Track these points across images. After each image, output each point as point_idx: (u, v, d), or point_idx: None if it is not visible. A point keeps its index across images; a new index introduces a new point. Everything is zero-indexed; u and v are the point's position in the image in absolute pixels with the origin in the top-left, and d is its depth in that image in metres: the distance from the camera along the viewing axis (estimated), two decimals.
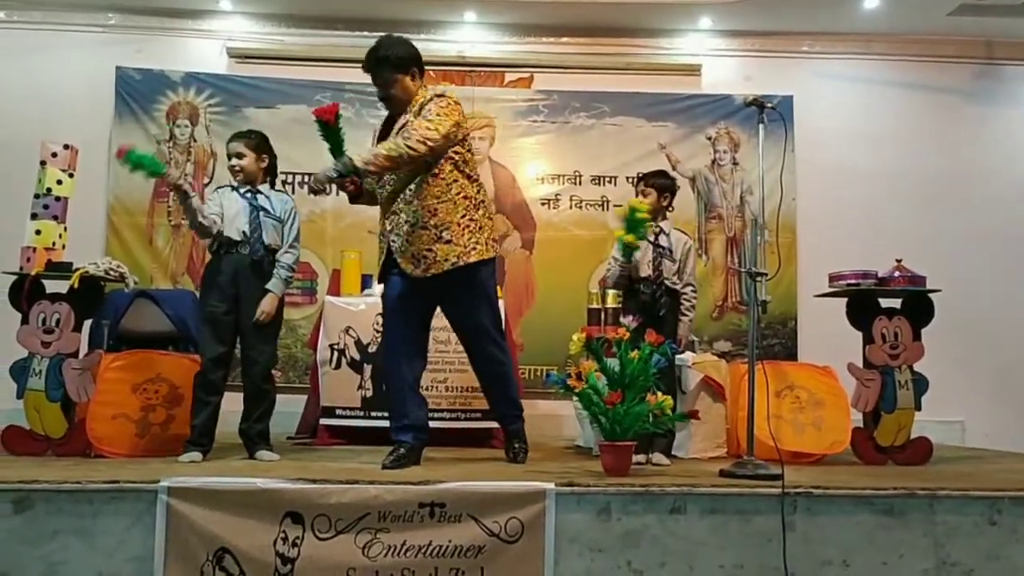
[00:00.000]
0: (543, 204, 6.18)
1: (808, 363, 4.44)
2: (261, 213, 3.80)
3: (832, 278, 4.23)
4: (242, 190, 3.84)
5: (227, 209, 3.77)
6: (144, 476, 2.97)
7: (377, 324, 4.67)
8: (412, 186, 3.52)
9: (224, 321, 3.75)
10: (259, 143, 3.93)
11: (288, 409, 5.30)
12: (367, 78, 6.07)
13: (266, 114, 6.08)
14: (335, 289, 5.11)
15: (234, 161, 3.85)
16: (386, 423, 4.45)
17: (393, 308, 3.65)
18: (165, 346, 4.53)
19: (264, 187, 3.90)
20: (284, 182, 6.01)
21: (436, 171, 3.50)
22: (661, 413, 3.30)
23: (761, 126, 3.52)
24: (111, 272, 4.02)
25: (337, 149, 3.60)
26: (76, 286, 3.89)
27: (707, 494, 2.99)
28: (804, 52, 6.43)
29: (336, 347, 4.68)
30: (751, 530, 2.96)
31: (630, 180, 6.05)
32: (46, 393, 3.81)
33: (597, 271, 5.90)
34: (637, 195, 4.19)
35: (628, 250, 3.87)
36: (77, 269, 3.91)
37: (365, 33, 6.15)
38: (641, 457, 3.68)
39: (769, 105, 3.53)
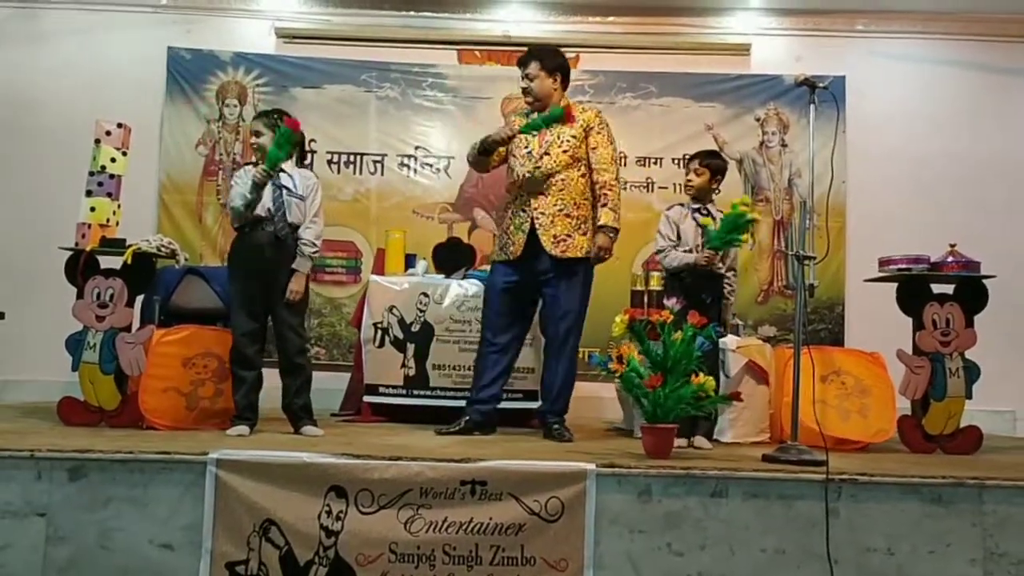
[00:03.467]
0: None
1: (856, 349, 4.37)
2: (284, 191, 3.83)
3: (882, 263, 4.15)
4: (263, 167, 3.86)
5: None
6: (194, 448, 3.05)
7: (420, 303, 4.71)
8: (563, 176, 3.93)
9: (253, 297, 3.81)
10: (279, 122, 3.93)
11: (332, 386, 5.40)
12: (412, 58, 6.22)
13: (312, 94, 6.12)
14: (379, 268, 5.15)
15: (254, 140, 3.86)
16: (428, 401, 4.59)
17: (495, 293, 3.99)
18: (214, 322, 4.59)
19: (288, 165, 3.89)
20: (330, 161, 6.09)
21: (583, 172, 3.98)
22: (704, 395, 3.29)
23: (812, 107, 3.45)
24: (163, 249, 4.11)
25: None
26: (129, 262, 3.97)
27: (749, 478, 2.97)
28: (858, 31, 6.28)
29: (380, 326, 4.72)
30: (794, 515, 2.94)
31: (676, 162, 6.00)
32: (100, 366, 3.91)
33: (641, 253, 5.88)
34: (688, 174, 4.14)
35: (722, 246, 3.83)
36: (130, 245, 4.00)
37: (411, 13, 6.19)
38: (683, 441, 3.67)
39: (821, 85, 3.46)
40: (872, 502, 2.96)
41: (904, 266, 4.05)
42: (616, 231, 3.93)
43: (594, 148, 3.99)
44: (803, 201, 3.74)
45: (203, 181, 6.12)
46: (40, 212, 5.59)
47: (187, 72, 6.10)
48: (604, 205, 3.93)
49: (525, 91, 4.04)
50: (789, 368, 3.78)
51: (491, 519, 2.89)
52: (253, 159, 3.92)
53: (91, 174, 4.11)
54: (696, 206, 4.12)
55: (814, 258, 3.35)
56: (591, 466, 2.93)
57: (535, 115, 4.00)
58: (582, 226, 3.94)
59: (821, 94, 3.44)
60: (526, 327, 4.18)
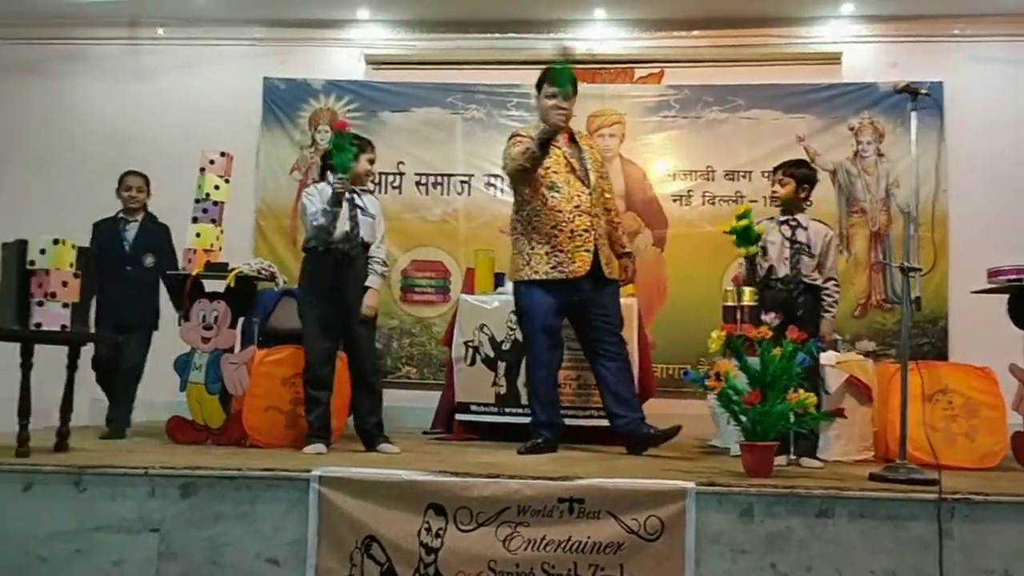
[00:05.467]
0: (675, 201, 6.08)
1: (965, 364, 4.18)
2: (359, 212, 3.93)
3: (991, 273, 3.98)
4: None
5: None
6: (297, 465, 3.12)
7: (511, 322, 4.73)
8: (602, 200, 4.11)
9: (329, 317, 3.87)
10: (367, 146, 4.05)
11: (422, 404, 5.49)
12: (497, 79, 6.28)
13: (401, 117, 6.26)
14: (469, 287, 5.21)
15: (373, 168, 4.06)
16: (519, 419, 4.59)
17: (543, 311, 3.98)
18: None
19: (359, 188, 4.01)
20: (418, 183, 6.20)
21: (602, 193, 4.12)
22: (804, 412, 3.20)
23: (913, 114, 3.33)
24: (263, 272, 4.26)
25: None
26: (232, 285, 4.12)
27: (857, 498, 2.88)
28: (955, 36, 6.07)
29: (471, 344, 4.77)
30: (904, 536, 2.83)
31: (765, 175, 5.87)
32: (206, 386, 4.07)
33: (731, 268, 5.78)
34: (773, 185, 4.06)
35: (751, 260, 3.85)
36: (233, 269, 4.15)
37: (496, 35, 6.26)
38: (782, 459, 3.58)
39: (923, 91, 3.35)
40: (988, 522, 2.83)
41: (1015, 277, 3.87)
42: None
43: (604, 177, 4.19)
44: (907, 211, 3.61)
45: (297, 206, 6.29)
46: None
47: (282, 101, 6.32)
48: (623, 233, 4.22)
49: (563, 110, 3.96)
50: (893, 384, 3.65)
51: (589, 537, 2.87)
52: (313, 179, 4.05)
53: (196, 201, 4.30)
54: (784, 218, 4.03)
55: (920, 270, 3.24)
56: (690, 484, 2.89)
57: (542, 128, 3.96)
58: (616, 249, 4.16)
59: (923, 100, 3.32)
60: (563, 344, 4.25)
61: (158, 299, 4.59)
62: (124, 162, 6.07)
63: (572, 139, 4.09)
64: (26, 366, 3.32)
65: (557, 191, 3.96)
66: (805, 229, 3.94)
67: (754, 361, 3.31)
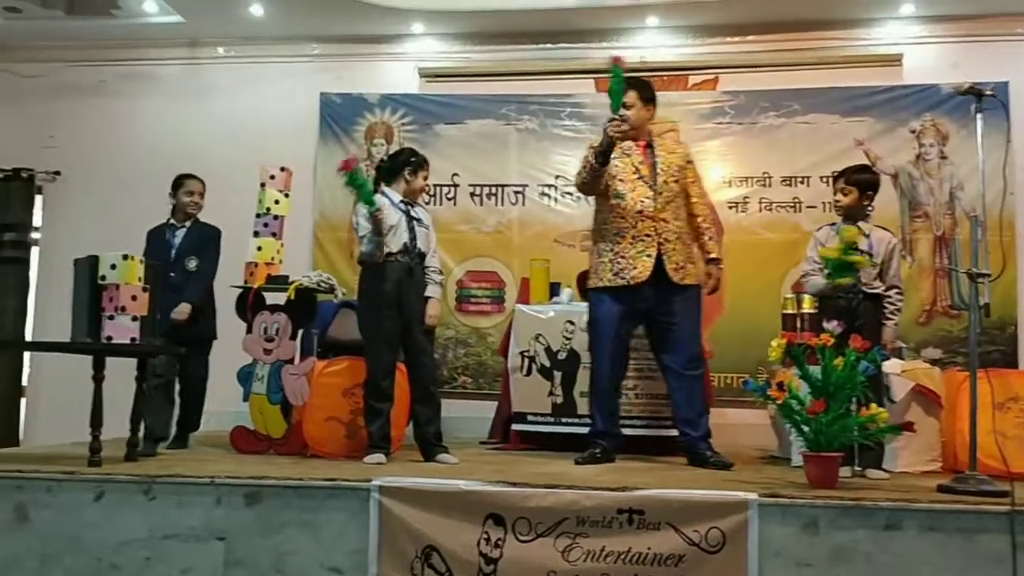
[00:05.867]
0: (731, 207, 6.01)
1: None
2: (416, 223, 3.98)
3: None
4: (396, 199, 4.00)
5: (388, 220, 3.90)
6: (357, 475, 3.17)
7: (567, 331, 4.73)
8: (676, 204, 3.99)
9: (391, 329, 3.90)
10: (423, 164, 4.12)
11: (479, 414, 5.50)
12: (550, 89, 6.29)
13: (455, 129, 6.30)
14: (524, 297, 5.22)
15: (427, 184, 4.12)
16: (576, 429, 4.58)
17: (610, 320, 3.94)
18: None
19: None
20: (472, 194, 6.24)
21: (684, 202, 4.04)
22: (873, 425, 3.13)
23: (979, 116, 3.25)
24: (322, 284, 4.33)
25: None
26: (292, 298, 4.20)
27: (925, 510, 2.81)
28: (1019, 35, 5.90)
29: (527, 354, 4.77)
30: (976, 550, 2.76)
31: (824, 180, 5.78)
32: (268, 396, 4.15)
33: (790, 275, 5.69)
34: (835, 194, 3.98)
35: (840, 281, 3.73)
36: (293, 282, 4.23)
37: (548, 46, 6.28)
38: (847, 470, 3.50)
39: (988, 92, 3.27)
40: None
41: None
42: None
43: (693, 181, 4.08)
44: (973, 215, 3.52)
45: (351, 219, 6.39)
46: None
47: (338, 115, 6.42)
48: (711, 239, 4.07)
49: (621, 119, 3.90)
50: (961, 393, 3.55)
51: (650, 549, 2.86)
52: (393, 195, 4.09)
53: (257, 216, 4.39)
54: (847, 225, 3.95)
55: (988, 275, 3.15)
56: (752, 495, 2.85)
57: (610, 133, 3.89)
58: (691, 254, 4.01)
59: (988, 101, 3.24)
60: (628, 353, 4.16)
61: (209, 304, 4.46)
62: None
63: (649, 145, 4.04)
64: (98, 378, 3.43)
65: (621, 198, 3.95)
66: (867, 237, 3.86)
67: (815, 370, 3.25)
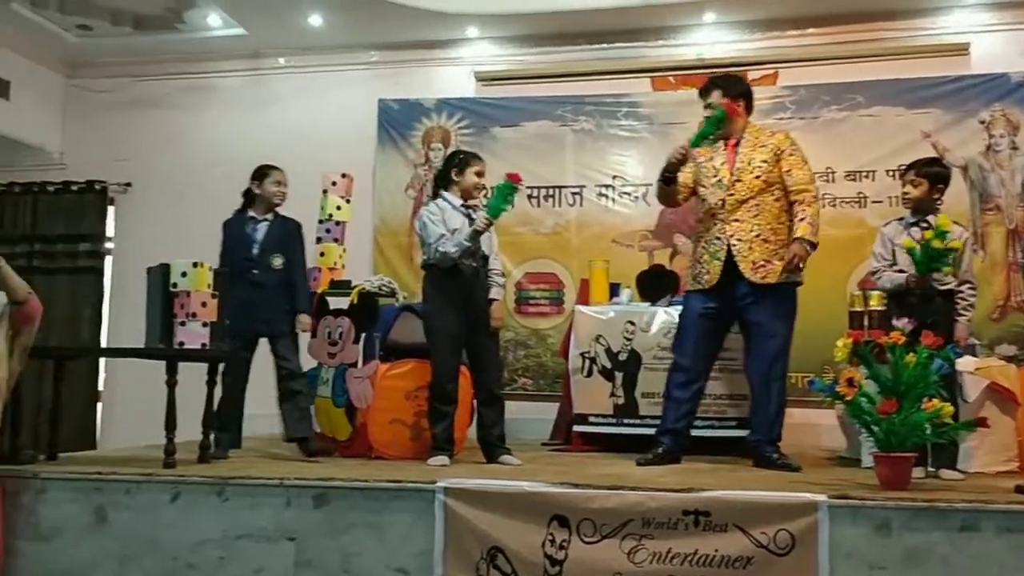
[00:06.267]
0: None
1: None
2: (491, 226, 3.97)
3: None
4: (457, 203, 4.00)
5: (451, 223, 3.93)
6: (422, 476, 3.20)
7: (627, 332, 4.71)
8: (757, 202, 3.87)
9: (457, 332, 3.92)
10: (473, 158, 4.11)
11: (539, 416, 5.50)
12: (606, 89, 6.27)
13: (511, 132, 6.32)
14: (583, 298, 5.21)
15: (482, 180, 4.06)
16: (638, 430, 4.56)
17: (692, 321, 3.95)
18: (426, 356, 4.82)
19: (473, 201, 4.07)
20: (529, 196, 6.24)
21: (777, 197, 3.90)
22: (941, 422, 3.05)
23: None
24: (384, 288, 4.39)
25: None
26: (355, 302, 4.26)
27: (1004, 511, 2.73)
28: None
29: (587, 355, 4.77)
30: None
31: (890, 173, 5.65)
32: (333, 400, 4.21)
33: (856, 272, 5.57)
34: (904, 186, 3.89)
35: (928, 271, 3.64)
36: (355, 286, 4.29)
37: (604, 46, 6.26)
38: (919, 471, 3.41)
39: None
40: None
41: None
42: (813, 245, 3.82)
43: (788, 171, 3.91)
44: None
45: (413, 222, 6.43)
46: None
47: (396, 121, 6.49)
48: (802, 220, 3.85)
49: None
50: None
51: (717, 551, 2.83)
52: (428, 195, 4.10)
53: (320, 222, 4.47)
54: (915, 219, 3.86)
55: None
56: (822, 497, 2.80)
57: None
58: (780, 251, 3.85)
59: None
60: (717, 354, 4.13)
61: (291, 306, 4.23)
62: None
63: (738, 143, 3.96)
64: (171, 383, 3.53)
65: (702, 201, 3.97)
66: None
67: (884, 369, 3.18)
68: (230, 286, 3.88)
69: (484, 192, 4.16)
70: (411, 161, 6.48)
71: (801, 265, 3.82)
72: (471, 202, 4.05)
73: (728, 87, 3.97)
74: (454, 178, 4.05)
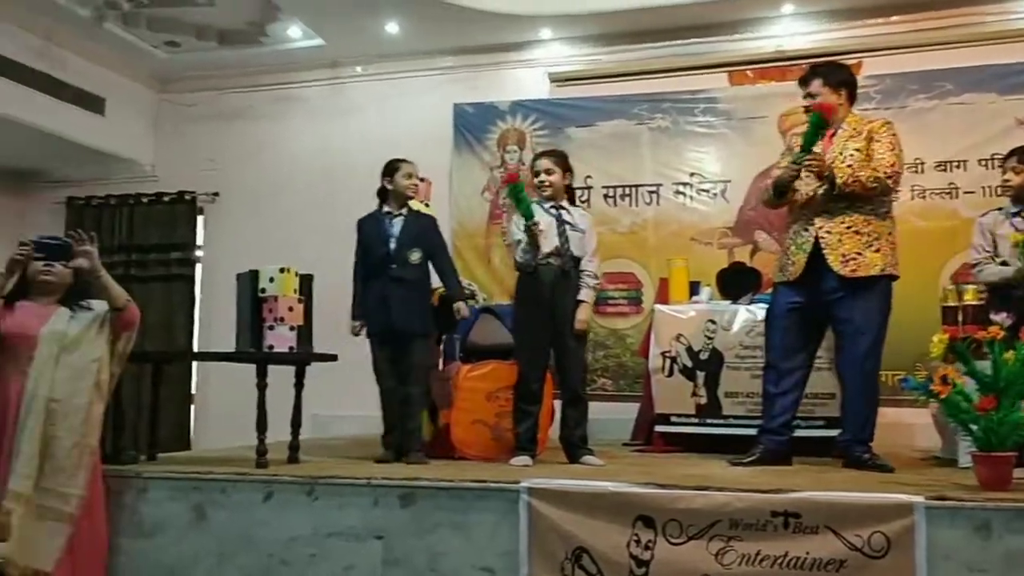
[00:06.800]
0: None
1: None
2: (567, 227, 3.96)
3: None
4: (546, 205, 4.01)
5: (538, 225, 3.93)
6: (506, 477, 3.22)
7: (708, 331, 4.65)
8: (838, 192, 3.70)
9: (541, 333, 3.93)
10: (564, 160, 4.09)
11: (619, 416, 5.47)
12: (682, 86, 6.20)
13: (586, 132, 6.31)
14: (663, 297, 5.17)
15: (543, 177, 4.01)
16: (721, 430, 4.51)
17: (778, 315, 3.85)
18: (506, 357, 4.84)
19: (564, 202, 4.06)
20: (606, 195, 6.23)
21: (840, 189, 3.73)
22: None
23: None
24: (464, 291, 4.41)
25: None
26: (436, 304, 4.31)
27: None
28: None
29: (668, 355, 4.72)
30: None
31: (983, 163, 5.44)
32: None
33: (948, 265, 5.38)
34: (1004, 173, 3.73)
35: None
36: (436, 289, 4.34)
37: (679, 42, 6.19)
38: (1020, 471, 3.26)
39: None
40: None
41: None
42: (833, 181, 3.62)
43: (881, 154, 3.76)
44: None
45: (489, 225, 6.51)
46: None
47: (471, 125, 6.56)
48: (867, 177, 3.66)
49: (808, 109, 3.86)
50: None
51: (808, 553, 2.77)
52: (540, 198, 4.07)
53: None
54: (1016, 209, 3.70)
55: None
56: (918, 498, 2.71)
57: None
58: (874, 243, 3.71)
59: None
60: (814, 351, 3.96)
61: (426, 302, 4.16)
62: (330, 191, 6.59)
63: (834, 134, 3.82)
64: (261, 385, 3.64)
65: (794, 192, 3.85)
66: None
67: (983, 365, 3.06)
68: (365, 284, 4.00)
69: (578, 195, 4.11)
70: (487, 164, 6.53)
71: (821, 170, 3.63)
72: (563, 201, 4.05)
73: (829, 75, 3.85)
74: (535, 180, 4.07)
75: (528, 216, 3.87)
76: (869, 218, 3.72)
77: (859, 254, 3.69)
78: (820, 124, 3.67)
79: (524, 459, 3.81)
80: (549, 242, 3.93)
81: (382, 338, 4.05)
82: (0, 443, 3.06)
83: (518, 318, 4.06)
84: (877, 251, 3.70)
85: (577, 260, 3.98)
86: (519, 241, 3.96)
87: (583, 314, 3.95)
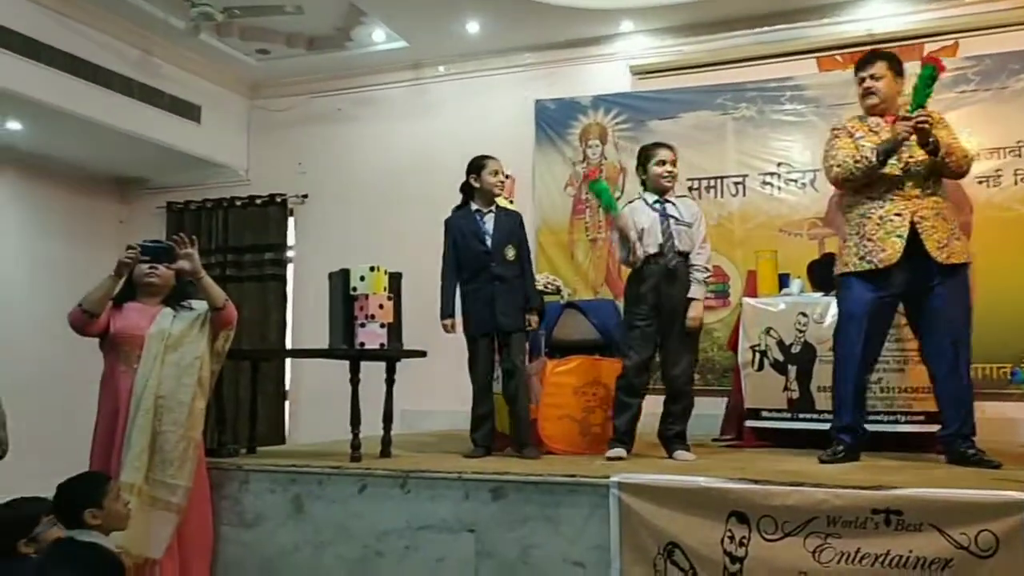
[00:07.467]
0: (980, 182, 5.48)
1: None
2: (671, 221, 3.91)
3: None
4: (651, 200, 3.97)
5: (641, 223, 3.92)
6: (596, 471, 3.22)
7: (799, 324, 4.54)
8: (933, 178, 3.64)
9: (648, 330, 3.90)
10: (655, 149, 4.05)
11: (707, 411, 5.37)
12: (768, 74, 6.06)
13: (669, 124, 6.22)
14: (751, 290, 5.08)
15: (671, 169, 3.99)
16: (814, 425, 4.39)
17: (866, 308, 3.65)
18: (591, 353, 4.83)
19: (671, 195, 4.01)
20: (690, 188, 6.13)
21: (926, 171, 3.63)
22: None
23: None
24: (549, 286, 4.45)
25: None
26: None
27: None
28: None
29: (757, 349, 4.63)
30: None
31: None
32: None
33: None
34: None
35: None
36: None
37: (765, 29, 6.06)
38: None
39: None
40: None
41: None
42: (936, 147, 3.49)
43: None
44: None
45: (572, 220, 6.51)
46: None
47: (553, 120, 6.56)
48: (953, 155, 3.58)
49: (869, 91, 3.72)
50: None
51: (911, 552, 2.68)
52: (617, 194, 4.07)
53: None
54: None
55: None
56: None
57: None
58: (955, 230, 3.61)
59: None
60: (884, 342, 3.84)
61: (524, 300, 4.12)
62: (415, 190, 6.69)
63: (896, 119, 3.64)
64: (354, 381, 3.73)
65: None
66: None
67: None
68: (464, 283, 4.03)
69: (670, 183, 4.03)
70: (569, 159, 6.53)
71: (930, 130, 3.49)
72: (668, 196, 4.01)
73: (893, 60, 3.76)
74: (641, 176, 4.06)
75: (608, 208, 3.85)
76: (949, 203, 3.64)
77: (949, 242, 3.57)
78: (933, 77, 3.50)
79: (620, 451, 3.80)
80: (653, 241, 3.88)
81: (488, 335, 4.05)
82: (113, 437, 3.23)
83: (627, 314, 4.04)
84: (958, 239, 3.61)
85: (685, 255, 3.92)
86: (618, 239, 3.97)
87: (693, 311, 3.88)
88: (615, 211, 3.85)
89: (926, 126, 3.47)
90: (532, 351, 4.78)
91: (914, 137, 3.54)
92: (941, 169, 3.61)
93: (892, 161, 3.61)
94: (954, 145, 3.58)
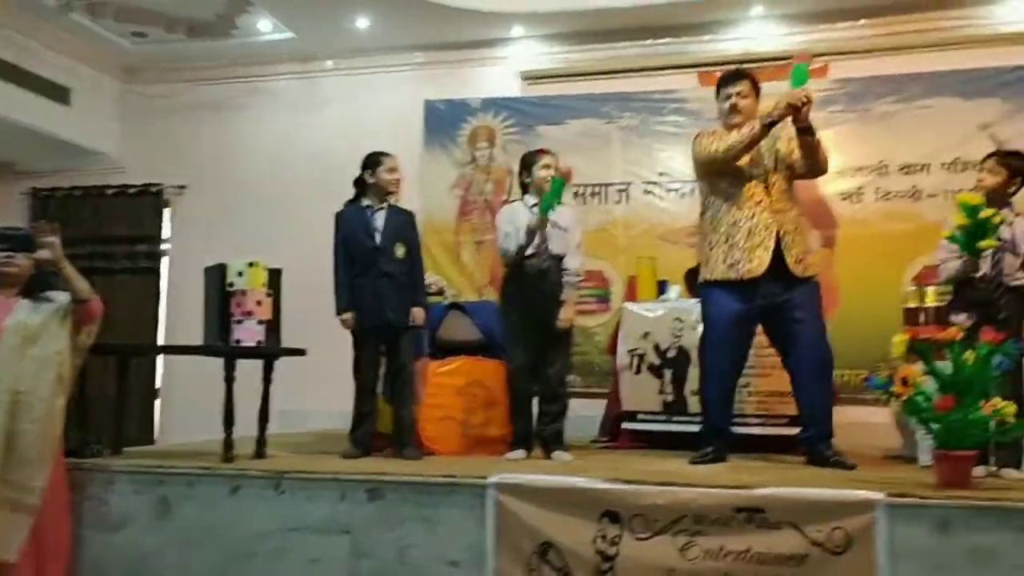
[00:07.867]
0: (844, 199, 5.82)
1: None
2: (548, 224, 3.97)
3: None
4: (531, 203, 4.02)
5: (518, 223, 3.97)
6: (473, 472, 3.22)
7: (675, 329, 4.69)
8: (787, 189, 3.75)
9: (525, 330, 3.96)
10: (542, 155, 4.10)
11: (587, 413, 5.48)
12: (652, 86, 6.21)
13: (557, 129, 6.33)
14: (631, 295, 5.20)
15: (553, 172, 4.01)
16: (687, 427, 4.53)
17: (731, 320, 3.73)
18: (475, 353, 4.84)
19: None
20: (576, 193, 6.24)
21: (789, 186, 3.78)
22: (1001, 421, 2.98)
23: None
24: (433, 287, 4.43)
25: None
26: None
27: None
28: None
29: (635, 352, 4.75)
30: None
31: (946, 167, 5.54)
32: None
33: (911, 267, 5.48)
34: (980, 173, 3.76)
35: (977, 252, 3.49)
36: None
37: (650, 42, 6.24)
38: (980, 470, 3.34)
39: None
40: None
41: None
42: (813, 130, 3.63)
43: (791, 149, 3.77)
44: None
45: (459, 221, 6.52)
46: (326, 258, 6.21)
47: (442, 121, 6.55)
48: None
49: (735, 108, 3.78)
50: None
51: (771, 549, 2.80)
52: (504, 197, 4.11)
53: None
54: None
55: None
56: (879, 495, 2.76)
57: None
58: (809, 246, 3.83)
59: None
60: (750, 348, 3.96)
61: (412, 298, 4.06)
62: (300, 185, 6.55)
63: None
64: (229, 379, 3.60)
65: (734, 180, 3.75)
66: (1010, 226, 3.64)
67: (943, 365, 3.12)
68: (354, 278, 3.93)
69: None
70: (457, 160, 6.54)
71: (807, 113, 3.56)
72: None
73: (756, 81, 3.87)
74: (524, 179, 4.10)
75: (544, 211, 3.87)
76: (801, 218, 3.79)
77: (805, 255, 3.73)
78: (805, 74, 3.60)
79: (519, 452, 3.90)
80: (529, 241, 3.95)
81: (376, 333, 4.00)
82: None
83: (505, 314, 4.09)
84: (810, 252, 3.80)
85: (559, 258, 3.99)
86: (506, 234, 3.98)
87: (563, 313, 3.97)
88: (545, 216, 3.89)
89: (807, 103, 3.53)
90: (416, 352, 4.75)
91: (770, 152, 3.72)
92: (808, 159, 3.69)
93: (755, 171, 3.71)
94: (821, 140, 3.71)
